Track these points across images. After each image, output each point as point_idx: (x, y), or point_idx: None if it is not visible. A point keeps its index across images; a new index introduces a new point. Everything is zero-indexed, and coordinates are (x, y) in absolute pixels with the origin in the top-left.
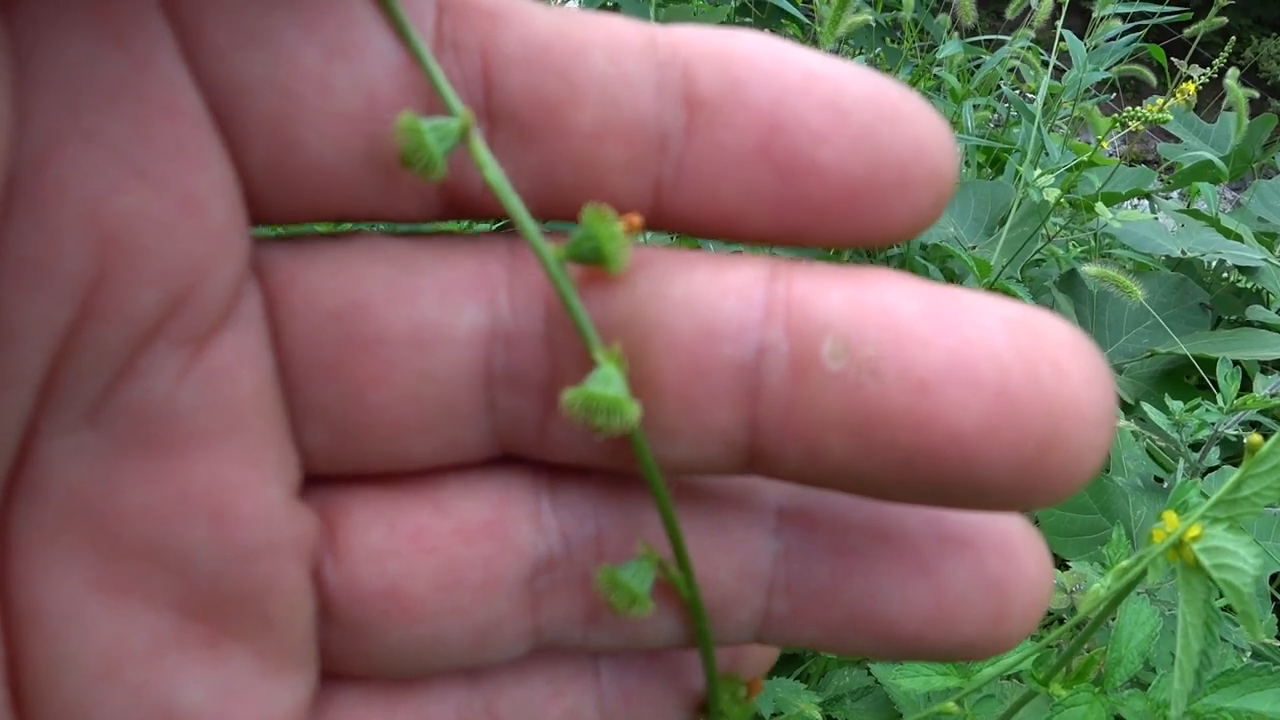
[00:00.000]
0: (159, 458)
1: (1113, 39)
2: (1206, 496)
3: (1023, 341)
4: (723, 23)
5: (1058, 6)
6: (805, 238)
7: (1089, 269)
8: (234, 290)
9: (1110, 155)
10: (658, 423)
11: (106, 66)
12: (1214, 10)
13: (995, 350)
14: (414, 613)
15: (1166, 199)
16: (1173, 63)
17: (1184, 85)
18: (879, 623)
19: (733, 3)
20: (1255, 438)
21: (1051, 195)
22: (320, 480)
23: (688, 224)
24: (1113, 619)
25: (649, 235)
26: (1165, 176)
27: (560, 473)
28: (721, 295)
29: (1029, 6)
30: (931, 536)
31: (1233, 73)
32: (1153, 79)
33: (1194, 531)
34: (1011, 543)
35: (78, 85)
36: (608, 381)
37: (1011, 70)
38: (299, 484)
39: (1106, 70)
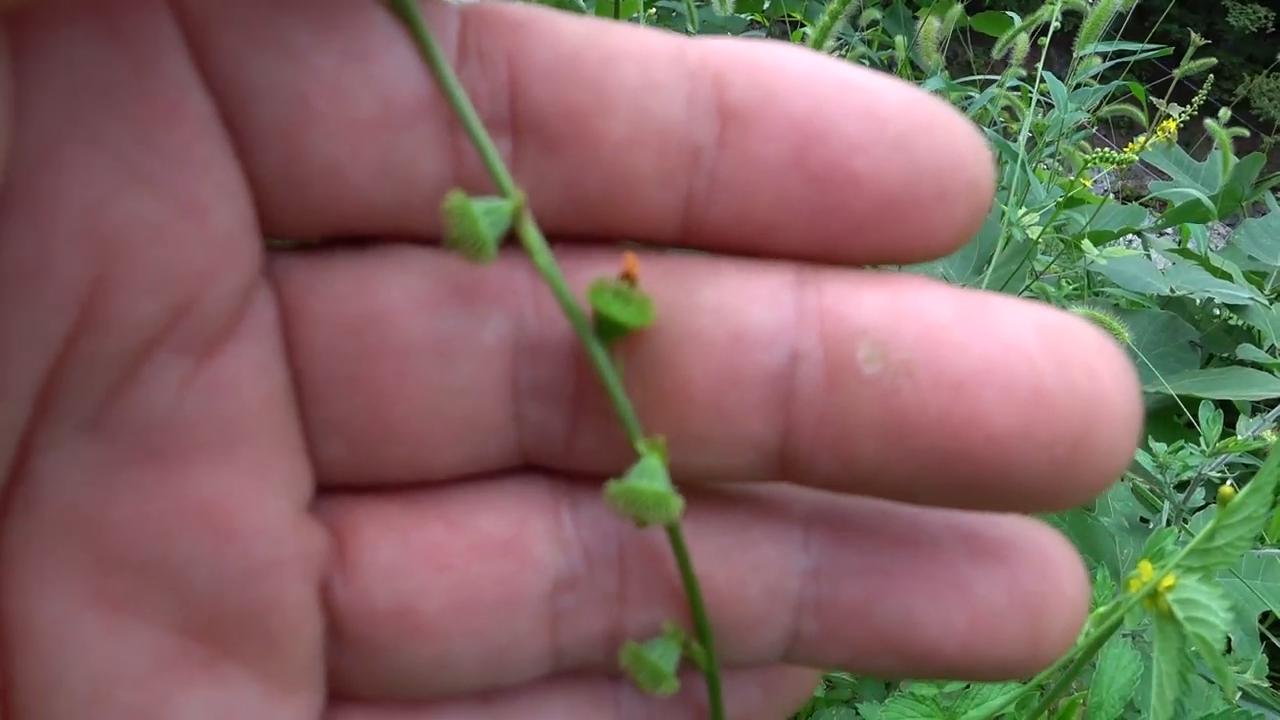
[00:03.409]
0: (159, 469)
1: (1095, 78)
2: (1191, 535)
3: (1055, 344)
4: None
5: (1035, 46)
6: (840, 253)
7: (1076, 310)
8: (241, 299)
9: (1103, 193)
10: (689, 431)
11: (110, 68)
12: (1189, 54)
13: (1029, 353)
14: (427, 633)
15: (1160, 236)
16: (1156, 102)
17: (1165, 124)
18: (912, 643)
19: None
20: (1226, 489)
21: (1034, 233)
22: (332, 493)
23: (719, 238)
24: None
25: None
26: (1158, 214)
27: (581, 483)
28: (751, 301)
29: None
30: (965, 553)
31: (1223, 113)
32: (1144, 117)
33: (1169, 582)
34: (1047, 558)
35: (79, 87)
36: (652, 475)
37: (1006, 108)
38: (309, 498)
39: (1091, 110)
